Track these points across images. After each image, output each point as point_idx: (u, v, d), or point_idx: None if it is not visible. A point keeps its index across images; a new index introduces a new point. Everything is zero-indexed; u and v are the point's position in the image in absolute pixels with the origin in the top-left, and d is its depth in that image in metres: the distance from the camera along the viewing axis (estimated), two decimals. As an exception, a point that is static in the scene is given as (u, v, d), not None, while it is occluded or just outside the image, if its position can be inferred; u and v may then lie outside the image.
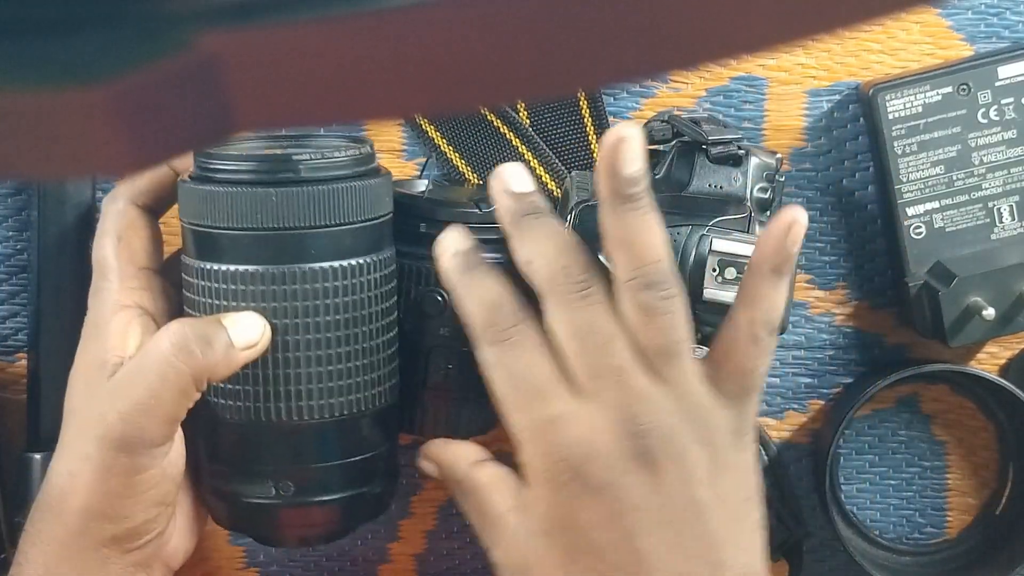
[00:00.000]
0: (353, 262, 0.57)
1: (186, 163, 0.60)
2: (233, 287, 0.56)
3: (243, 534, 0.63)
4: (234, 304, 0.56)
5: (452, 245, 0.57)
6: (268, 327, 0.56)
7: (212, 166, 0.57)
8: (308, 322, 0.56)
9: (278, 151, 0.57)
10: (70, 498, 0.55)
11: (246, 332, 0.55)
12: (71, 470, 0.56)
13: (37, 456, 0.65)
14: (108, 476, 0.55)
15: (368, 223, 0.58)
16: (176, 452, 0.56)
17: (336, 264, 0.56)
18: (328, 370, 0.57)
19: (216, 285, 0.56)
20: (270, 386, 0.57)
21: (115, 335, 0.58)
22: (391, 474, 0.62)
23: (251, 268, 0.56)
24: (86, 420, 0.56)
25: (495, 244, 0.63)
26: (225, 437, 0.59)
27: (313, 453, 0.58)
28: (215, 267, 0.56)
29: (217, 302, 0.56)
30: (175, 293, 0.61)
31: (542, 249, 0.55)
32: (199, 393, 0.55)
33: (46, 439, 0.66)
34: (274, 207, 0.55)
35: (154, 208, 0.62)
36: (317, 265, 0.56)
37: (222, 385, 0.57)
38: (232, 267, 0.56)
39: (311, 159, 0.56)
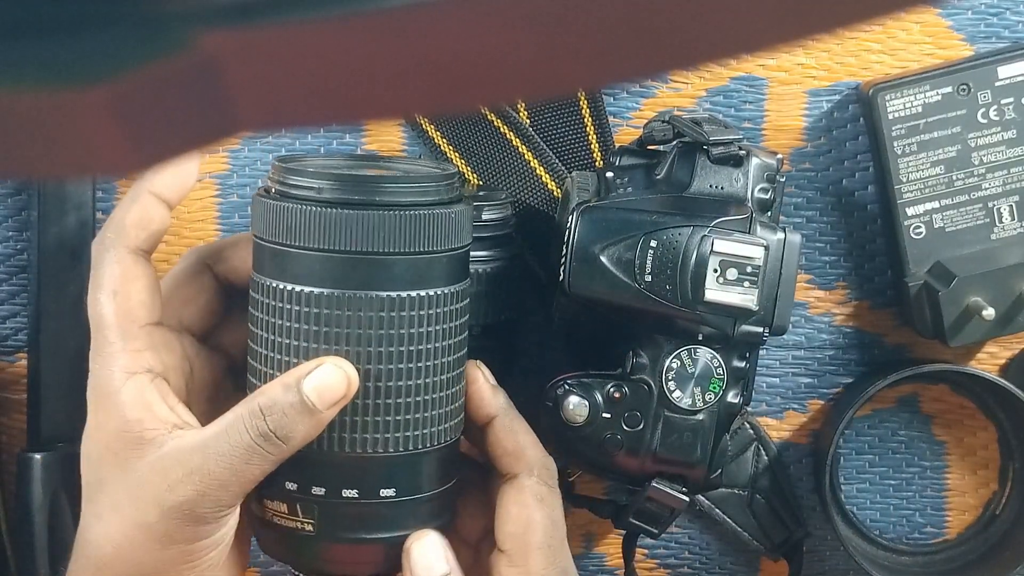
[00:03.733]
0: (428, 292, 0.54)
1: (177, 196, 0.58)
2: (300, 308, 0.54)
3: (291, 566, 0.59)
4: (299, 326, 0.54)
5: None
6: (355, 374, 0.53)
7: (291, 182, 0.54)
8: (376, 351, 0.54)
9: (360, 171, 0.55)
10: (119, 565, 0.54)
11: (331, 391, 0.53)
12: (124, 537, 0.54)
13: (37, 456, 0.65)
14: (169, 544, 0.53)
15: (446, 253, 0.55)
16: (235, 515, 0.55)
17: (410, 293, 0.54)
18: (395, 403, 0.54)
19: (283, 305, 0.54)
20: (357, 415, 0.54)
21: (133, 407, 0.55)
22: (449, 514, 0.59)
23: (322, 291, 0.53)
24: (139, 489, 0.54)
25: (487, 243, 0.64)
26: (305, 470, 0.55)
27: (371, 488, 0.55)
28: (283, 286, 0.54)
29: (282, 322, 0.54)
30: (179, 341, 0.59)
31: None
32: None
33: (46, 439, 0.66)
34: (350, 229, 0.53)
35: (147, 248, 0.58)
36: (391, 293, 0.53)
37: None
38: (301, 288, 0.53)
39: (393, 182, 0.54)
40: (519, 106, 0.69)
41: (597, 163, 0.69)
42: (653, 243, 0.59)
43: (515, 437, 0.58)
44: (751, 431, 0.70)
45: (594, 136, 0.69)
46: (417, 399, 0.55)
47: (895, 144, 0.67)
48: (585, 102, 0.69)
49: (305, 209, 0.53)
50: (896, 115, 0.66)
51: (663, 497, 0.62)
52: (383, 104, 0.24)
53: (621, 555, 0.68)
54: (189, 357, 0.59)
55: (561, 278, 0.60)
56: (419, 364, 0.54)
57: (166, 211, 0.58)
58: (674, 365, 0.60)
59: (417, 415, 0.55)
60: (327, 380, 0.53)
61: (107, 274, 0.57)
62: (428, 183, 0.55)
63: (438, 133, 0.68)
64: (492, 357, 0.63)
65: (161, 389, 0.55)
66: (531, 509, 0.57)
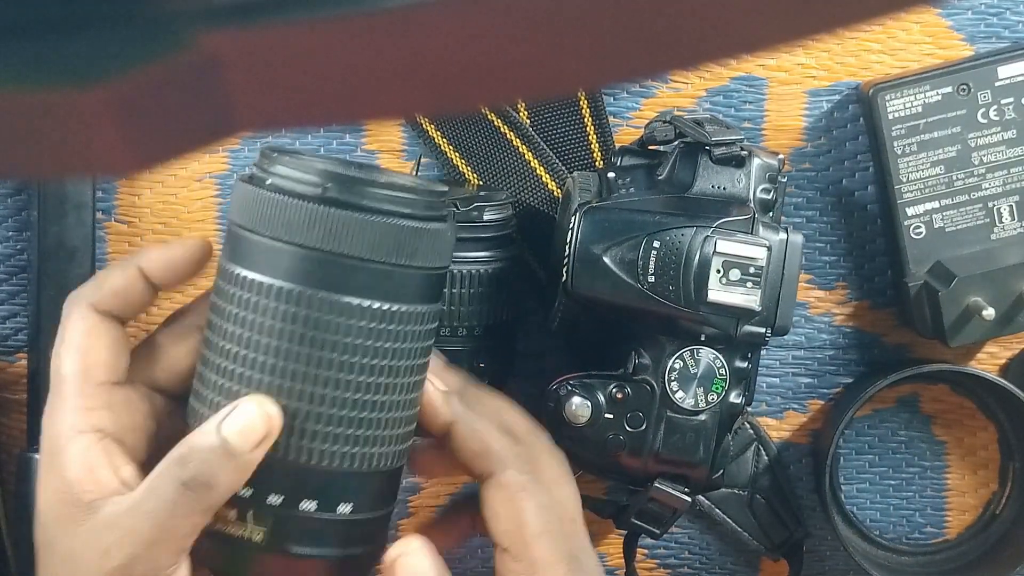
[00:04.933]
0: (395, 307, 0.52)
1: (169, 279, 0.57)
2: (261, 300, 0.51)
3: (221, 574, 0.56)
4: (257, 318, 0.51)
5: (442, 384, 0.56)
6: (276, 412, 0.51)
7: (273, 170, 0.52)
8: (332, 358, 0.51)
9: (345, 171, 0.53)
10: None
11: (252, 432, 0.51)
12: None
13: (37, 456, 0.65)
14: None
15: (420, 270, 0.53)
16: (183, 569, 0.52)
17: (376, 305, 0.52)
18: (346, 415, 0.52)
19: (244, 294, 0.52)
20: (290, 420, 0.52)
21: (76, 467, 0.53)
22: (382, 540, 0.57)
23: (284, 284, 0.51)
24: (79, 555, 0.52)
25: (487, 243, 0.63)
26: (266, 476, 0.53)
27: (313, 500, 0.53)
28: (248, 275, 0.52)
29: (242, 312, 0.52)
30: (147, 400, 0.57)
31: None
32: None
33: (46, 439, 0.66)
34: (326, 227, 0.51)
35: (120, 315, 0.57)
36: (355, 300, 0.51)
37: (205, 393, 0.53)
38: (265, 279, 0.51)
39: (378, 187, 0.52)
40: (519, 106, 0.69)
41: (597, 163, 0.69)
42: (656, 244, 0.59)
43: (479, 437, 0.57)
44: (751, 431, 0.70)
45: (594, 136, 0.69)
46: (370, 416, 0.52)
47: (895, 144, 0.67)
48: (585, 102, 0.69)
49: (281, 199, 0.51)
50: (896, 115, 0.66)
51: (665, 497, 0.62)
52: (383, 104, 0.24)
53: (622, 555, 0.68)
54: (158, 416, 0.57)
55: (563, 279, 0.60)
56: (374, 379, 0.52)
57: (150, 291, 0.57)
58: (677, 366, 0.60)
59: (368, 432, 0.53)
60: (247, 420, 0.51)
61: (71, 329, 0.55)
62: (414, 195, 0.53)
63: (438, 133, 0.68)
64: (492, 357, 0.63)
65: (108, 450, 0.53)
66: (517, 501, 0.57)
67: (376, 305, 0.52)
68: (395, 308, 0.52)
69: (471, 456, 0.57)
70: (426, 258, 0.53)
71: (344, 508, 0.53)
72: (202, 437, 0.51)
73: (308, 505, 0.52)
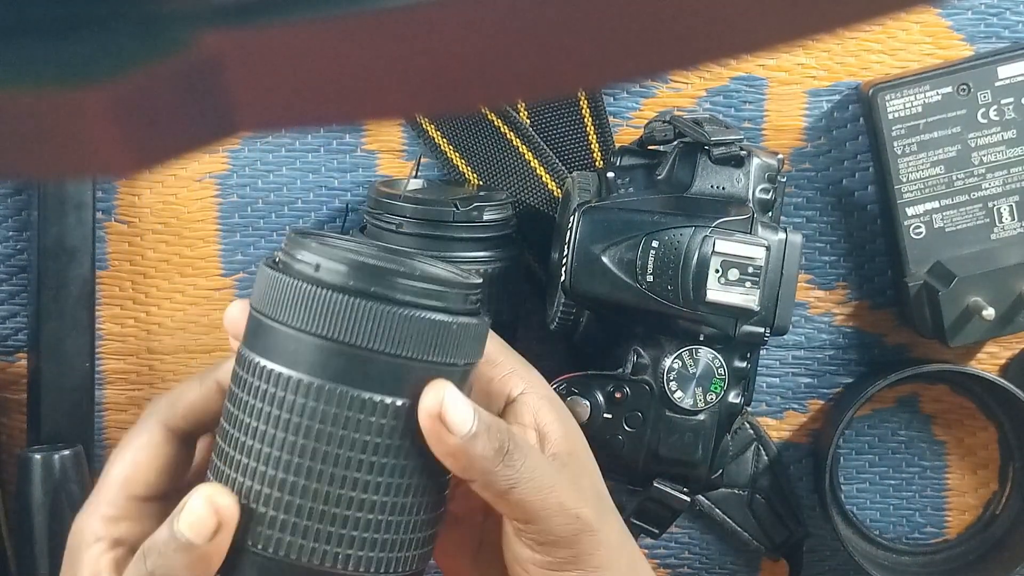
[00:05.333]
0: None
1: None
2: (277, 392, 0.48)
3: None
4: (274, 411, 0.48)
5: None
6: (228, 502, 0.48)
7: (298, 256, 0.49)
8: (351, 456, 0.48)
9: (374, 261, 0.49)
10: None
11: (203, 524, 0.49)
12: None
13: (37, 456, 0.65)
14: None
15: (447, 366, 0.49)
16: None
17: (396, 401, 0.48)
18: (365, 518, 0.49)
19: (260, 384, 0.49)
20: (292, 516, 0.48)
21: (84, 573, 0.52)
22: None
23: (297, 376, 0.48)
24: None
25: (487, 243, 0.64)
26: (244, 567, 0.50)
27: None
28: (264, 364, 0.49)
29: (255, 402, 0.49)
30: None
31: None
32: None
33: (46, 439, 0.66)
34: (345, 318, 0.47)
35: (192, 431, 0.55)
36: (375, 396, 0.48)
37: (247, 503, 0.49)
38: (279, 369, 0.48)
39: (407, 279, 0.48)
40: (519, 106, 0.69)
41: (597, 163, 0.69)
42: (655, 243, 0.59)
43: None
44: (751, 431, 0.70)
45: (594, 136, 0.69)
46: (389, 518, 0.49)
47: (895, 144, 0.67)
48: (585, 102, 0.69)
49: (303, 286, 0.48)
50: (896, 115, 0.66)
51: (664, 497, 0.62)
52: (383, 104, 0.24)
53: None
54: None
55: (562, 278, 0.60)
56: (394, 479, 0.49)
57: (223, 396, 0.54)
58: (675, 365, 0.60)
59: (386, 535, 0.49)
60: (196, 514, 0.49)
61: (135, 438, 0.55)
62: (445, 288, 0.49)
63: (438, 133, 0.68)
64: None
65: (119, 563, 0.53)
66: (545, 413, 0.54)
67: (398, 401, 0.48)
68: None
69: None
70: (455, 354, 0.50)
71: None
72: (160, 531, 0.50)
73: None
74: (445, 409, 0.48)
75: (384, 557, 0.49)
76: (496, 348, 0.54)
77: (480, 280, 0.52)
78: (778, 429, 0.72)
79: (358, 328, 0.47)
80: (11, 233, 0.69)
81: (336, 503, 0.48)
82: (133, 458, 0.54)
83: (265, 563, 0.49)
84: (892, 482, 0.73)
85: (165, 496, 0.54)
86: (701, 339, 0.60)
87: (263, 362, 0.49)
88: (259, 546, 0.49)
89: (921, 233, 0.67)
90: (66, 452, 0.65)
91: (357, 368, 0.48)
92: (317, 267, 0.48)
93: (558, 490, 0.51)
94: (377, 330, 0.48)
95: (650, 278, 0.59)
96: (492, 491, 0.50)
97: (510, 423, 0.54)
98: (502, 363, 0.54)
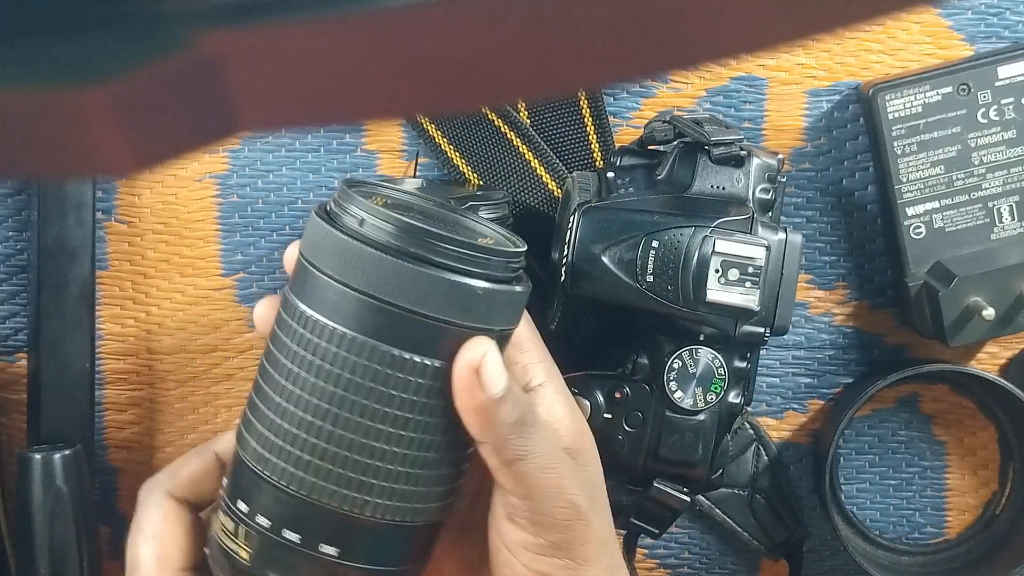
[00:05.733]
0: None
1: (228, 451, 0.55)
2: (317, 340, 0.49)
3: None
4: (311, 357, 0.50)
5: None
6: None
7: (347, 208, 0.50)
8: (381, 410, 0.49)
9: (422, 223, 0.50)
10: None
11: None
12: None
13: (37, 456, 0.65)
14: None
15: (483, 331, 0.50)
16: None
17: (434, 363, 0.49)
18: (385, 468, 0.50)
19: (305, 332, 0.50)
20: (327, 463, 0.50)
21: None
22: None
23: (342, 329, 0.49)
24: None
25: None
26: (261, 498, 0.51)
27: (350, 552, 0.51)
28: (310, 314, 0.50)
29: (298, 349, 0.50)
30: None
31: None
32: None
33: (46, 439, 0.66)
34: (391, 279, 0.48)
35: (195, 501, 0.57)
36: (417, 357, 0.49)
37: (274, 439, 0.51)
38: (324, 320, 0.49)
39: (453, 244, 0.49)
40: (519, 106, 0.69)
41: (597, 163, 0.69)
42: (655, 243, 0.59)
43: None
44: (751, 431, 0.70)
45: (594, 136, 0.69)
46: (418, 472, 0.51)
47: (895, 144, 0.67)
48: (585, 102, 0.69)
49: (348, 242, 0.49)
50: (896, 115, 0.66)
51: (664, 497, 0.62)
52: (383, 104, 0.24)
53: (621, 555, 0.68)
54: None
55: (562, 278, 0.60)
56: (426, 436, 0.50)
57: (219, 466, 0.57)
58: (675, 365, 0.60)
59: (415, 488, 0.51)
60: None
61: (148, 517, 0.56)
62: (490, 255, 0.50)
63: (438, 133, 0.68)
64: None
65: None
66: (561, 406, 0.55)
67: (436, 363, 0.50)
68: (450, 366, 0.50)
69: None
70: (493, 320, 0.51)
71: (328, 549, 0.51)
72: None
73: (291, 536, 0.51)
74: (484, 365, 0.49)
75: (403, 507, 0.51)
76: (527, 334, 0.55)
77: (524, 247, 0.53)
78: (778, 429, 0.72)
79: (398, 289, 0.49)
80: (11, 233, 0.69)
81: (360, 451, 0.50)
82: (157, 533, 0.55)
83: (285, 498, 0.51)
84: (892, 482, 0.73)
85: (197, 566, 0.55)
86: (701, 339, 0.60)
87: (305, 309, 0.50)
88: (282, 482, 0.50)
89: (921, 233, 0.67)
90: (66, 452, 0.65)
91: (395, 327, 0.49)
92: (362, 222, 0.49)
93: (560, 473, 0.52)
94: (416, 292, 0.49)
95: (650, 278, 0.59)
96: (500, 458, 0.51)
97: None
98: (529, 351, 0.55)
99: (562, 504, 0.52)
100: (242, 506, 0.52)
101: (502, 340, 0.52)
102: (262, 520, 0.51)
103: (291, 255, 0.53)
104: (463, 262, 0.49)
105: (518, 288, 0.51)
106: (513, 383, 0.51)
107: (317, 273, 0.50)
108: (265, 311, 0.53)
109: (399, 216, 0.50)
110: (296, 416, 0.50)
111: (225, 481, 0.54)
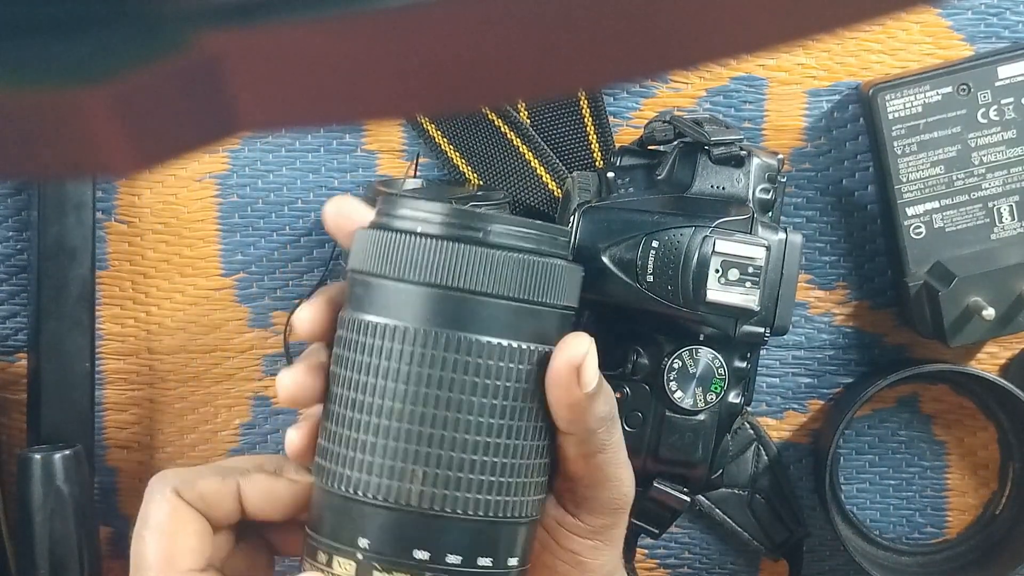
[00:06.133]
0: (531, 346, 0.49)
1: (260, 503, 0.52)
2: (388, 344, 0.48)
3: None
4: (384, 363, 0.48)
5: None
6: None
7: (391, 212, 0.50)
8: (464, 399, 0.48)
9: (469, 208, 0.50)
10: None
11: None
12: None
13: (37, 456, 0.65)
14: None
15: (554, 309, 0.50)
16: None
17: (511, 343, 0.48)
18: (480, 460, 0.48)
19: (369, 340, 0.49)
20: (407, 462, 0.48)
21: None
22: None
23: (411, 326, 0.48)
24: None
25: None
26: (324, 510, 0.50)
27: (438, 551, 0.48)
28: (371, 319, 0.49)
29: (368, 359, 0.49)
30: None
31: None
32: None
33: (46, 439, 0.66)
34: (452, 263, 0.48)
35: (200, 509, 0.53)
36: (489, 338, 0.48)
37: (333, 448, 0.49)
38: (391, 322, 0.48)
39: (504, 223, 0.49)
40: (519, 106, 0.69)
41: (597, 163, 0.69)
42: (655, 243, 0.59)
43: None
44: (751, 431, 0.70)
45: (594, 136, 0.69)
46: (504, 460, 0.49)
47: (895, 144, 0.67)
48: (585, 102, 0.69)
49: (399, 238, 0.48)
50: (896, 115, 0.66)
51: (664, 497, 0.62)
52: (383, 104, 0.24)
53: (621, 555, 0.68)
54: None
55: (561, 278, 0.60)
56: (509, 422, 0.49)
57: (236, 513, 0.53)
58: (676, 365, 0.60)
59: (502, 478, 0.49)
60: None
61: (155, 512, 0.52)
62: (539, 232, 0.50)
63: (438, 133, 0.68)
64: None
65: None
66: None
67: (510, 343, 0.49)
68: (531, 347, 0.49)
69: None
70: (557, 295, 0.50)
71: (468, 559, 0.49)
72: None
73: (429, 556, 0.48)
74: (586, 362, 0.49)
75: (503, 500, 0.49)
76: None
77: (567, 230, 0.53)
78: (778, 429, 0.72)
79: (461, 273, 0.48)
80: (11, 233, 0.69)
81: (452, 446, 0.48)
82: (166, 530, 0.52)
83: (386, 514, 0.48)
84: (892, 482, 0.73)
85: (205, 567, 0.52)
86: (701, 339, 0.60)
87: (371, 317, 0.49)
88: (379, 497, 0.48)
89: (921, 233, 0.67)
90: (66, 452, 0.65)
91: (466, 311, 0.48)
92: (414, 219, 0.49)
93: (625, 468, 0.53)
94: (483, 273, 0.48)
95: (650, 278, 0.59)
96: (585, 448, 0.51)
97: None
98: None
99: (619, 495, 0.53)
100: (362, 541, 0.49)
101: (567, 319, 0.51)
102: (420, 554, 0.48)
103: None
104: (520, 240, 0.49)
105: (574, 265, 0.51)
106: (601, 376, 0.51)
107: (375, 280, 0.49)
108: (308, 314, 0.51)
109: (450, 206, 0.49)
110: (381, 427, 0.48)
111: (336, 544, 0.50)
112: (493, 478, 0.49)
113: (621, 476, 0.53)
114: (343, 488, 0.49)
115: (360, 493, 0.48)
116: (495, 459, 0.49)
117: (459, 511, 0.48)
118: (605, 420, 0.51)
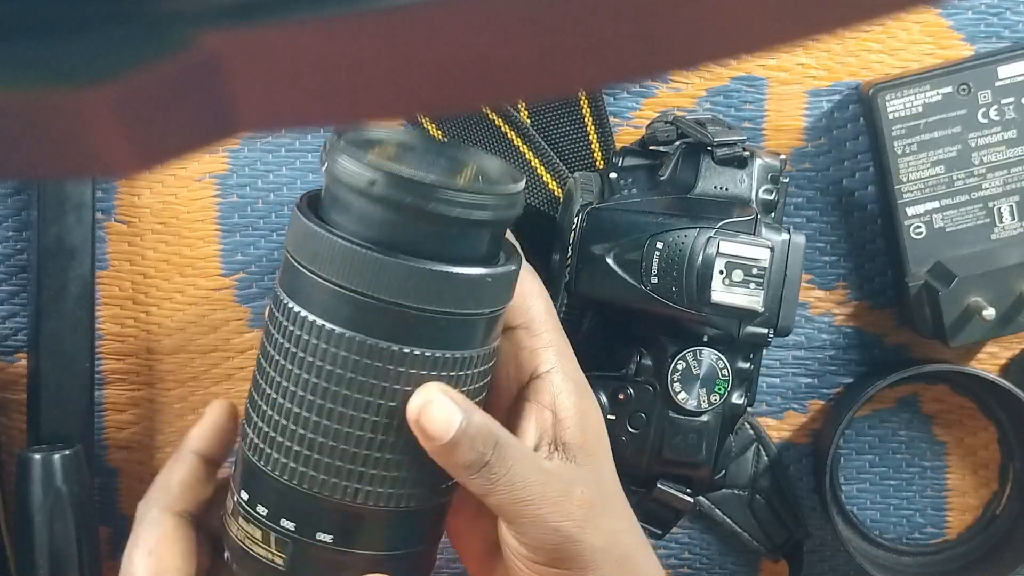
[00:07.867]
0: (456, 354, 0.51)
1: (221, 452, 0.58)
2: (320, 344, 0.50)
3: None
4: (299, 353, 0.50)
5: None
6: None
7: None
8: (364, 400, 0.50)
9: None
10: None
11: None
12: None
13: (37, 456, 0.65)
14: None
15: (482, 316, 0.51)
16: None
17: (438, 353, 0.50)
18: (373, 456, 0.51)
19: (303, 335, 0.50)
20: (304, 449, 0.51)
21: None
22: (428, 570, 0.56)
23: (345, 332, 0.49)
24: None
25: None
26: (266, 492, 0.53)
27: (358, 540, 0.52)
28: (308, 316, 0.50)
29: (300, 353, 0.51)
30: None
31: None
32: None
33: (46, 439, 0.66)
34: (390, 278, 0.49)
35: (193, 511, 0.57)
36: (418, 350, 0.50)
37: (278, 438, 0.52)
38: (327, 324, 0.50)
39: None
40: (520, 106, 0.69)
41: (598, 163, 0.69)
42: (659, 244, 0.59)
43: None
44: (751, 431, 0.70)
45: (595, 136, 0.69)
46: (402, 458, 0.51)
47: (895, 144, 0.67)
48: (585, 102, 0.69)
49: (345, 246, 0.49)
50: (896, 115, 0.66)
51: (668, 498, 0.62)
52: (383, 104, 0.24)
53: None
54: None
55: (566, 279, 0.60)
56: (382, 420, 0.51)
57: (211, 471, 0.58)
58: (679, 366, 0.60)
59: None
60: None
61: (144, 534, 0.56)
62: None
63: (440, 133, 0.68)
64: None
65: None
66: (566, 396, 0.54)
67: (437, 354, 0.50)
68: (456, 355, 0.51)
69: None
70: (488, 301, 0.51)
71: (385, 546, 0.53)
72: None
73: (324, 537, 0.52)
74: (425, 416, 0.50)
75: (395, 493, 0.52)
76: (541, 315, 0.55)
77: (519, 184, 0.52)
78: (778, 429, 0.72)
79: (371, 281, 0.49)
80: (11, 233, 0.69)
81: (346, 441, 0.51)
82: (155, 551, 0.55)
83: (283, 490, 0.52)
84: (892, 482, 0.72)
85: None
86: (705, 340, 0.60)
87: (294, 306, 0.51)
88: (276, 472, 0.52)
89: (921, 233, 0.67)
90: (66, 452, 0.65)
91: (377, 318, 0.50)
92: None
93: (539, 502, 0.52)
94: (392, 283, 0.49)
95: (654, 279, 0.59)
96: (471, 490, 0.52)
97: (528, 400, 0.54)
98: (541, 334, 0.55)
99: (544, 532, 0.52)
100: (260, 508, 0.53)
101: (491, 321, 0.52)
102: (287, 523, 0.52)
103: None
104: (440, 245, 0.50)
105: (501, 269, 0.51)
106: (476, 417, 0.51)
107: (298, 268, 0.51)
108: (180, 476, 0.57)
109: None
110: (289, 410, 0.51)
111: (240, 488, 0.54)
112: (377, 472, 0.51)
113: (539, 514, 0.52)
114: (252, 456, 0.53)
115: (261, 463, 0.52)
116: (380, 455, 0.51)
117: (346, 499, 0.51)
118: (473, 468, 0.51)
